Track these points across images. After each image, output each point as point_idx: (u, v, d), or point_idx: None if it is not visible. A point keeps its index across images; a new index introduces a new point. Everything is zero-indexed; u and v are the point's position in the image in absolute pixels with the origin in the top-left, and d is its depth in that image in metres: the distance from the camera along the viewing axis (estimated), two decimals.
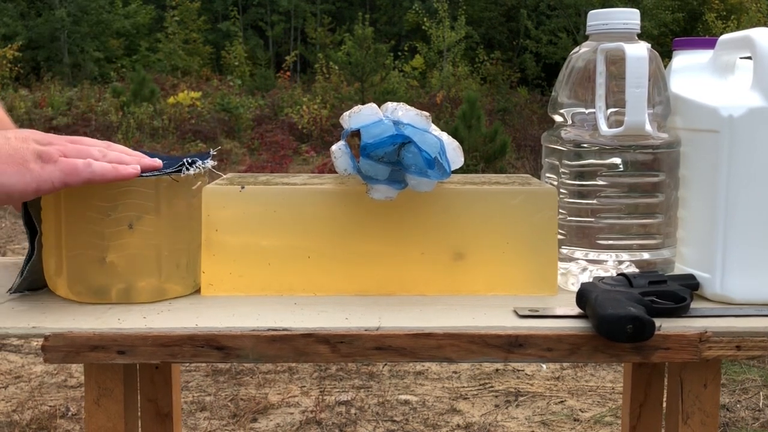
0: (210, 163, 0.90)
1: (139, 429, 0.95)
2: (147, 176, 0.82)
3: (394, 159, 0.83)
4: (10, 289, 0.87)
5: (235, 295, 0.88)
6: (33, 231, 0.86)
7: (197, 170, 0.86)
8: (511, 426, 2.28)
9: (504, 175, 1.02)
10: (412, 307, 0.84)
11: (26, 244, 0.88)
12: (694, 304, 0.83)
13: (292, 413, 2.37)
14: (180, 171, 0.84)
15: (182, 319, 0.80)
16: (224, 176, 0.97)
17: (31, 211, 0.85)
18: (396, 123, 0.82)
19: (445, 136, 0.86)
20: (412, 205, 0.88)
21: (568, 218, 0.92)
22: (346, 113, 0.85)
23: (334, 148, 0.86)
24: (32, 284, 0.88)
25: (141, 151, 0.87)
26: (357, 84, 11.47)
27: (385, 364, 2.72)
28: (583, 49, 0.93)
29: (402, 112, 0.84)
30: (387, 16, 21.22)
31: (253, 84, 15.50)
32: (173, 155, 0.99)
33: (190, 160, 0.86)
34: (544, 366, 2.72)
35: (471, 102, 7.28)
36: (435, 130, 0.86)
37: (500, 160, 7.23)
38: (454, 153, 0.86)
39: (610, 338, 0.74)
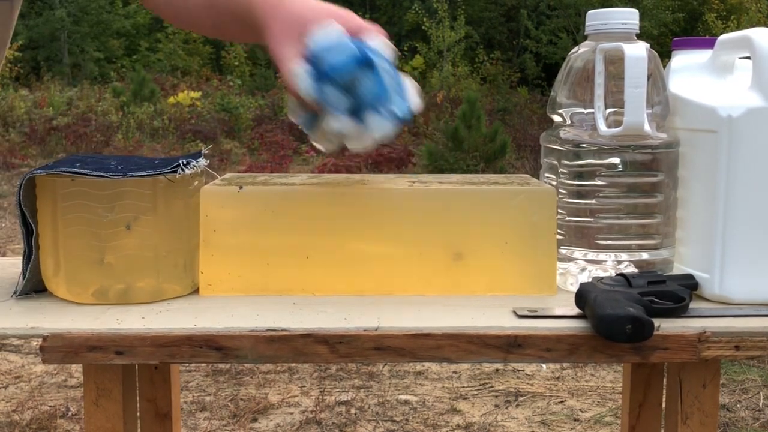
0: (203, 162, 0.90)
1: (139, 429, 0.94)
2: (143, 176, 0.82)
3: (354, 91, 0.80)
4: (14, 292, 0.87)
5: (234, 295, 0.88)
6: (29, 230, 0.86)
7: (193, 170, 0.86)
8: (511, 426, 2.28)
9: (503, 175, 1.02)
10: (410, 308, 0.84)
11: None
12: (693, 304, 0.83)
13: (292, 413, 2.37)
14: (175, 171, 0.84)
15: (181, 319, 0.80)
16: (223, 176, 0.97)
17: (25, 211, 0.85)
18: (361, 47, 0.80)
19: (404, 76, 0.84)
20: (410, 205, 0.88)
21: (567, 218, 0.92)
22: (310, 35, 0.82)
23: (297, 69, 0.81)
24: (36, 285, 0.88)
25: (137, 157, 0.88)
26: None
27: (385, 364, 2.72)
28: (582, 49, 0.93)
29: (371, 38, 0.82)
30: (387, 16, 21.21)
31: (253, 84, 15.49)
32: (172, 156, 0.99)
33: (185, 161, 0.86)
34: (544, 366, 2.71)
35: (471, 102, 7.28)
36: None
37: (500, 160, 7.23)
38: (413, 92, 0.83)
39: (609, 338, 0.74)
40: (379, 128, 0.81)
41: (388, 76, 0.80)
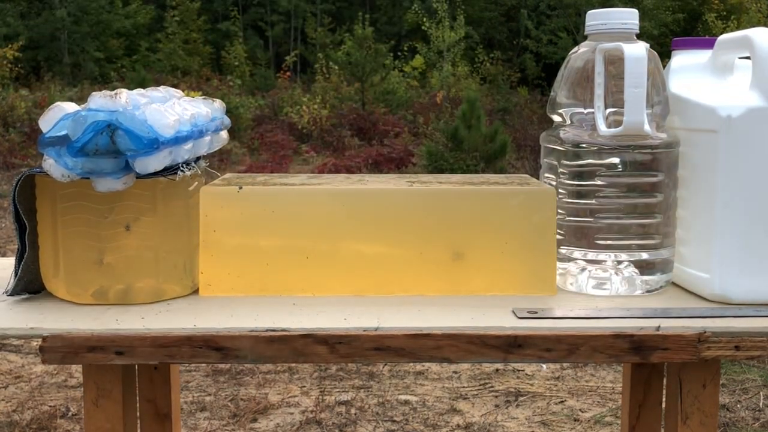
0: (203, 163, 0.90)
1: (138, 429, 0.94)
2: (143, 178, 0.82)
3: (111, 149, 0.78)
4: (6, 291, 0.87)
5: (234, 295, 0.88)
6: (22, 227, 0.85)
7: (193, 170, 0.86)
8: (511, 426, 2.28)
9: (503, 175, 1.02)
10: (410, 308, 0.84)
11: None
12: (693, 304, 0.83)
13: (292, 413, 2.37)
14: (176, 173, 0.84)
15: (180, 319, 0.80)
16: (223, 176, 0.97)
17: (19, 207, 0.84)
18: (96, 111, 0.78)
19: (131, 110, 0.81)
20: (410, 205, 0.88)
21: (567, 218, 0.92)
22: (40, 121, 0.81)
23: (44, 164, 0.80)
24: (29, 286, 0.87)
25: None
26: (357, 84, 11.46)
27: (385, 364, 2.72)
28: (582, 49, 0.93)
29: (92, 101, 0.80)
30: (387, 16, 21.22)
31: (253, 84, 15.49)
32: None
33: (185, 162, 0.86)
34: (544, 366, 2.71)
35: (471, 102, 7.27)
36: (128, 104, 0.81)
37: (500, 160, 7.22)
38: (155, 115, 0.81)
39: None
40: (145, 168, 0.79)
41: (129, 122, 0.78)
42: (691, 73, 0.93)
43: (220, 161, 8.30)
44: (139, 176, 0.81)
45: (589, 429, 2.27)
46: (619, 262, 0.90)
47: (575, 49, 0.94)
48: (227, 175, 0.98)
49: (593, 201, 0.89)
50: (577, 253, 0.91)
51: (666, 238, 0.92)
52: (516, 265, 0.88)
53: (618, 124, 0.87)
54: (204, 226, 0.88)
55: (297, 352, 0.77)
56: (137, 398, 0.99)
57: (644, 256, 0.90)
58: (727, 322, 0.80)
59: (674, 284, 0.93)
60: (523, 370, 2.71)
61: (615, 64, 0.88)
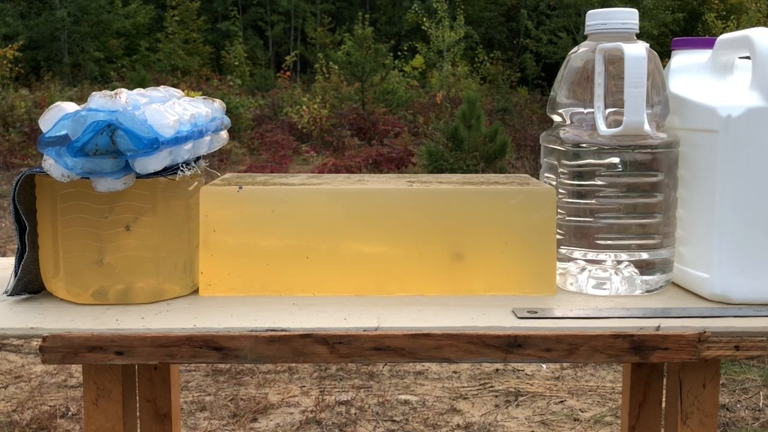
0: (203, 163, 0.90)
1: (138, 429, 0.94)
2: (143, 177, 0.82)
3: (111, 149, 0.78)
4: (6, 291, 0.87)
5: (234, 295, 0.88)
6: (22, 227, 0.85)
7: (192, 170, 0.86)
8: (511, 426, 2.28)
9: (503, 175, 1.02)
10: (410, 308, 0.84)
11: None
12: (693, 304, 0.83)
13: (292, 413, 2.37)
14: (176, 173, 0.84)
15: (180, 319, 0.80)
16: (223, 176, 0.97)
17: (19, 207, 0.84)
18: (96, 111, 0.78)
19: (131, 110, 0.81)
20: (410, 205, 0.88)
21: (567, 218, 0.92)
22: (40, 121, 0.81)
23: (44, 164, 0.80)
24: (29, 286, 0.87)
25: None
26: (357, 84, 11.46)
27: (385, 364, 2.72)
28: (582, 48, 0.93)
29: (92, 101, 0.80)
30: (387, 16, 21.23)
31: (253, 84, 15.50)
32: None
33: (185, 162, 0.86)
34: (544, 366, 2.71)
35: (471, 102, 7.27)
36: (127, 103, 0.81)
37: (500, 160, 7.22)
38: (155, 115, 0.80)
39: None
40: (145, 168, 0.80)
41: (129, 122, 0.78)
42: (691, 73, 0.94)
43: (220, 161, 8.30)
44: (139, 176, 0.81)
45: (589, 429, 2.27)
46: (619, 262, 0.90)
47: (575, 49, 0.94)
48: (227, 175, 0.98)
49: (593, 201, 0.89)
50: (577, 253, 0.91)
51: (666, 238, 0.92)
52: (516, 265, 0.88)
53: (618, 124, 0.87)
54: (204, 226, 0.88)
55: (297, 352, 0.77)
56: (137, 398, 0.99)
57: (644, 255, 0.90)
58: (727, 322, 0.80)
59: (674, 284, 0.93)
60: (523, 370, 2.71)
61: (615, 64, 0.88)
